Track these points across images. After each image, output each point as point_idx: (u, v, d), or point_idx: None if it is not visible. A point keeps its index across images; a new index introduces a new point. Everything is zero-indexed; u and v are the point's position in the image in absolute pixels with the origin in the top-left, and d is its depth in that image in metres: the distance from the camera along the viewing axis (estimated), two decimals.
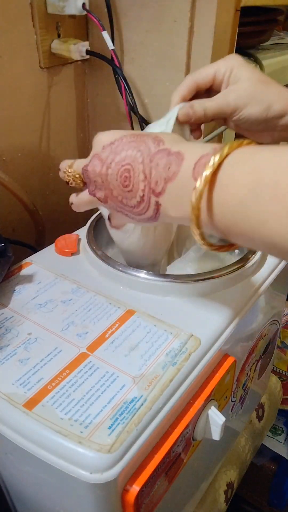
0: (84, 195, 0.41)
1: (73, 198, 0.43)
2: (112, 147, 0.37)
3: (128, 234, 0.46)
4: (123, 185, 0.36)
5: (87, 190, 0.41)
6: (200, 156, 0.32)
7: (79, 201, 0.42)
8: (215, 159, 0.30)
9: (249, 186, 0.28)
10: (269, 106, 0.43)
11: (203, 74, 0.46)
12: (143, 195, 0.35)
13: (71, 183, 0.42)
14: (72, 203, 0.44)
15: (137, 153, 0.35)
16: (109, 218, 0.46)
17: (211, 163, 0.30)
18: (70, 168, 0.41)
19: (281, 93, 0.43)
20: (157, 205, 0.35)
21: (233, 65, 0.44)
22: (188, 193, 0.31)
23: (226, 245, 0.36)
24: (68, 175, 0.41)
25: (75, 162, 0.41)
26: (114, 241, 0.49)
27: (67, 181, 0.42)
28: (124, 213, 0.38)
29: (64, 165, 0.42)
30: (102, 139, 0.38)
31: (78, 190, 0.43)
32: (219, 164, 0.30)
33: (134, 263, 0.50)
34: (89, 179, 0.39)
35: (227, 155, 0.30)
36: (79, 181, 0.41)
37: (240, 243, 0.33)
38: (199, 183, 0.30)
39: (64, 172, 0.42)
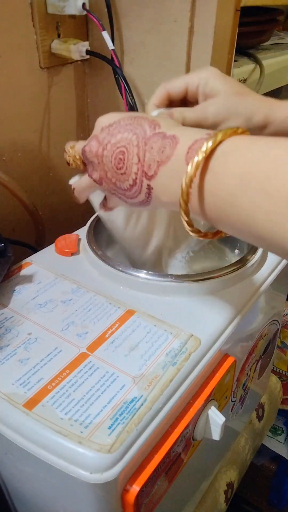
0: (84, 179, 0.42)
1: (74, 182, 0.44)
2: (110, 129, 0.37)
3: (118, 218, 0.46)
4: (117, 167, 0.36)
5: (86, 175, 0.41)
6: (194, 140, 0.32)
7: (79, 186, 0.43)
8: (208, 145, 0.30)
9: (240, 178, 0.28)
10: (249, 119, 0.42)
11: (175, 85, 0.45)
12: (136, 178, 0.35)
13: (71, 164, 0.42)
14: (73, 188, 0.44)
15: (132, 136, 0.35)
16: (102, 202, 0.46)
17: (203, 148, 0.30)
18: (72, 149, 0.42)
19: (259, 105, 0.42)
20: (149, 188, 0.35)
21: (208, 77, 0.43)
22: (180, 178, 0.31)
23: (212, 233, 0.36)
24: (69, 156, 0.42)
25: (77, 144, 0.42)
26: (108, 228, 0.49)
27: (68, 161, 0.42)
28: (117, 196, 0.38)
29: (67, 146, 0.43)
30: (102, 121, 0.39)
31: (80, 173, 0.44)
32: (212, 150, 0.30)
33: (132, 256, 0.50)
34: (87, 159, 0.40)
35: (220, 142, 0.30)
36: (78, 163, 0.42)
37: (228, 233, 0.33)
38: (189, 168, 0.30)
39: (66, 152, 0.42)
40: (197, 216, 0.33)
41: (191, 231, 0.34)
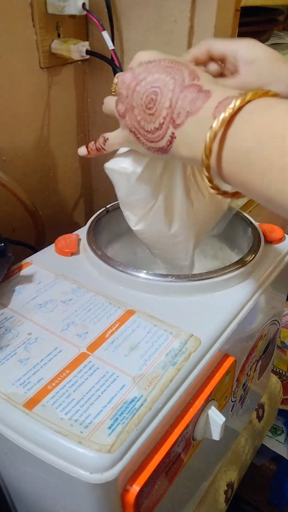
0: (112, 99, 0.41)
1: (107, 98, 0.42)
2: (148, 66, 0.37)
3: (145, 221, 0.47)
4: (146, 107, 0.36)
5: (115, 97, 0.40)
6: (226, 96, 0.32)
7: (106, 102, 0.42)
8: (236, 103, 0.31)
9: (259, 135, 0.29)
10: None
11: (218, 45, 0.45)
12: (163, 122, 0.35)
13: (113, 92, 0.42)
14: (106, 138, 0.43)
15: (170, 80, 0.35)
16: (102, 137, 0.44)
17: (231, 105, 0.31)
18: (117, 78, 0.41)
19: None
20: (172, 137, 0.35)
21: (248, 44, 0.44)
22: (204, 131, 0.32)
23: (231, 192, 0.36)
24: (114, 83, 0.41)
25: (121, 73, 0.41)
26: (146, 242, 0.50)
27: (112, 89, 0.42)
28: (136, 136, 0.38)
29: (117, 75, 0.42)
30: (142, 56, 0.39)
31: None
32: (240, 108, 0.31)
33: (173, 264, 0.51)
34: (118, 88, 0.39)
35: (249, 101, 0.31)
36: (116, 90, 0.41)
37: (241, 191, 0.34)
38: (215, 123, 0.31)
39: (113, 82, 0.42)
40: (213, 172, 0.34)
41: (211, 187, 0.35)
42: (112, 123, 0.41)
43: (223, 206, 0.52)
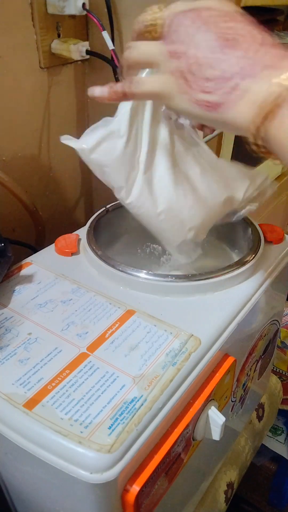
0: (147, 43, 0.35)
1: (135, 43, 0.36)
2: (221, 12, 0.32)
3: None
4: (221, 50, 0.30)
5: (151, 42, 0.34)
6: None
7: (137, 47, 0.35)
8: None
9: None
10: None
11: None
12: (226, 70, 0.30)
13: (146, 27, 0.35)
14: (130, 46, 0.36)
15: (254, 30, 0.31)
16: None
17: None
18: (159, 11, 0.34)
19: None
20: (234, 89, 0.30)
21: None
22: (276, 84, 0.28)
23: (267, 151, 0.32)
24: (149, 15, 0.34)
25: (168, 9, 0.35)
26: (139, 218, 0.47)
27: (144, 23, 0.35)
28: (187, 81, 0.32)
29: (155, 6, 0.35)
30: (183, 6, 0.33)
31: None
32: None
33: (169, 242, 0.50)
34: (172, 27, 0.33)
35: None
36: (152, 28, 0.34)
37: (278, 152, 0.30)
38: None
39: (147, 12, 0.34)
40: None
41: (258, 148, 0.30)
42: None
43: (234, 195, 0.49)
